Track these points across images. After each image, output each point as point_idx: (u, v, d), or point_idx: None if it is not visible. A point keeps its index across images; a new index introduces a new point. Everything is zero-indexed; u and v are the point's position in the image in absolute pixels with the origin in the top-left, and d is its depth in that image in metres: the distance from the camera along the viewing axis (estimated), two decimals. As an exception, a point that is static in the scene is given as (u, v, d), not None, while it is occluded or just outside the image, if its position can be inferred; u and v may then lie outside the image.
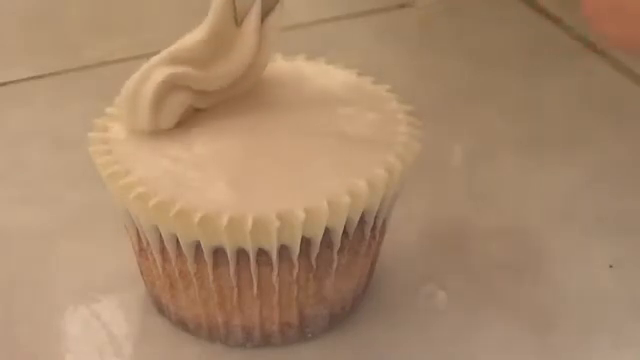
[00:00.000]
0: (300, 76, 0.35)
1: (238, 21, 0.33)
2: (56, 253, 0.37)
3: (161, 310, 0.35)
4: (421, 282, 0.36)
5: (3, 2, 0.54)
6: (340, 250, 0.32)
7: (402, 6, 0.54)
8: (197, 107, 0.34)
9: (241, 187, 0.31)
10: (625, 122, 0.45)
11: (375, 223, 0.33)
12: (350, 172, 0.31)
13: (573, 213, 0.40)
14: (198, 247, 0.31)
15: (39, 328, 0.35)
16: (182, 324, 0.34)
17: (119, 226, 0.34)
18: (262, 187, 0.31)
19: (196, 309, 0.33)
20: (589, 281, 0.37)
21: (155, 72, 0.32)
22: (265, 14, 0.33)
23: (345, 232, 0.32)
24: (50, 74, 0.48)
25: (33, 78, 0.48)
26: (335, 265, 0.32)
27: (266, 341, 0.34)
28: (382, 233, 0.34)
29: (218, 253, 0.31)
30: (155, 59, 0.33)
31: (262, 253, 0.31)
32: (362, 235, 0.33)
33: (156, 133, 0.33)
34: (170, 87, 0.32)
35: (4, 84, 0.47)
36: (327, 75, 0.36)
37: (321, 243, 0.31)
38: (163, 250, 0.32)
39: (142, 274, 0.35)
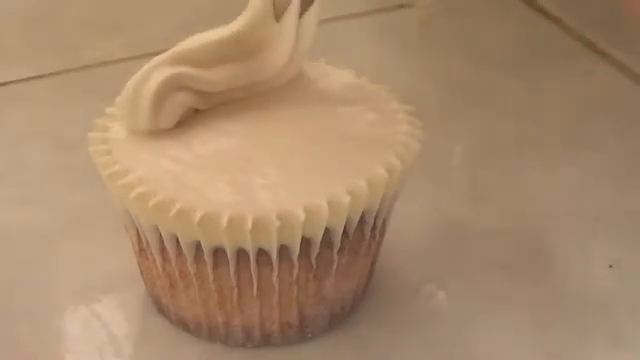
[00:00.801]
0: (300, 76, 0.35)
1: (277, 17, 0.33)
2: (56, 253, 0.37)
3: (161, 310, 0.35)
4: (421, 282, 0.36)
5: (3, 2, 0.54)
6: (340, 250, 0.32)
7: (402, 6, 0.54)
8: (198, 108, 0.34)
9: (241, 187, 0.31)
10: (625, 122, 0.45)
11: (375, 223, 0.33)
12: (350, 172, 0.31)
13: (573, 213, 0.40)
14: (198, 247, 0.31)
15: (39, 328, 0.35)
16: (182, 324, 0.34)
17: (119, 226, 0.34)
18: (262, 187, 0.31)
19: (196, 309, 0.33)
20: (589, 281, 0.37)
21: (156, 72, 0.32)
22: (303, 10, 0.33)
23: (345, 232, 0.32)
24: (50, 74, 0.48)
25: (33, 78, 0.48)
26: (335, 265, 0.32)
27: (266, 341, 0.34)
28: (382, 233, 0.34)
29: (218, 253, 0.31)
30: (157, 59, 0.33)
31: (262, 253, 0.31)
32: (362, 235, 0.33)
33: (156, 133, 0.33)
34: (171, 87, 0.32)
35: (4, 84, 0.47)
36: (327, 75, 0.36)
37: (321, 243, 0.31)
38: (163, 250, 0.32)
39: (142, 274, 0.35)
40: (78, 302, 0.36)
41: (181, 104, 0.33)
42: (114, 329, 0.35)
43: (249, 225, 0.30)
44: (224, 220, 0.30)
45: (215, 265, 0.32)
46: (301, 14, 0.33)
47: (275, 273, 0.32)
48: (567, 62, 0.49)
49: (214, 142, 0.32)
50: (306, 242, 0.31)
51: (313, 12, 0.33)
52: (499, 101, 0.46)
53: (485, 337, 0.34)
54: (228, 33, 0.33)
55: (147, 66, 0.33)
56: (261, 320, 0.33)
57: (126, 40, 0.50)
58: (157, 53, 0.33)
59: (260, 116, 0.34)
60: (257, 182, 0.31)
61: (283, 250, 0.31)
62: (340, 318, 0.35)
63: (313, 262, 0.32)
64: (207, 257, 0.31)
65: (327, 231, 0.31)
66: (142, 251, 0.33)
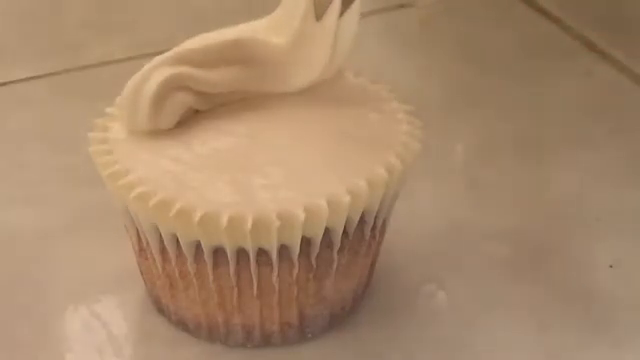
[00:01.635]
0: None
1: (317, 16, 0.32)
2: (56, 253, 0.37)
3: (161, 310, 0.35)
4: (421, 282, 0.36)
5: (3, 2, 0.54)
6: (340, 250, 0.32)
7: (402, 6, 0.54)
8: (198, 109, 0.34)
9: (241, 187, 0.31)
10: (625, 122, 0.45)
11: (375, 223, 0.33)
12: (350, 172, 0.31)
13: (573, 213, 0.40)
14: (198, 247, 0.31)
15: (39, 328, 0.35)
16: (182, 324, 0.34)
17: (119, 226, 0.34)
18: (262, 187, 0.31)
19: (196, 309, 0.33)
20: (589, 281, 0.37)
21: (157, 72, 0.32)
22: (343, 10, 0.32)
23: (345, 232, 0.32)
24: (50, 74, 0.48)
25: (33, 78, 0.48)
26: (335, 265, 0.32)
27: (266, 341, 0.34)
28: (382, 233, 0.34)
29: (218, 253, 0.31)
30: (158, 59, 0.33)
31: (262, 253, 0.31)
32: (362, 235, 0.33)
33: (156, 133, 0.33)
34: (171, 88, 0.32)
35: (4, 84, 0.47)
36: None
37: (321, 243, 0.31)
38: (163, 250, 0.32)
39: (142, 274, 0.35)
40: (78, 302, 0.36)
41: (181, 104, 0.33)
42: (114, 329, 0.35)
43: (249, 225, 0.30)
44: (224, 220, 0.30)
45: (215, 265, 0.32)
46: (341, 14, 0.32)
47: (275, 273, 0.32)
48: (567, 62, 0.49)
49: (214, 142, 0.32)
50: (306, 242, 0.31)
51: (354, 11, 0.32)
52: (499, 101, 0.46)
53: (485, 337, 0.34)
54: (238, 35, 0.33)
55: (148, 66, 0.33)
56: (261, 320, 0.33)
57: (126, 40, 0.50)
58: (157, 53, 0.33)
59: (260, 116, 0.34)
60: (257, 182, 0.31)
61: (283, 250, 0.31)
62: (340, 318, 0.35)
63: (313, 262, 0.32)
64: (207, 257, 0.31)
65: (327, 231, 0.31)
66: (142, 251, 0.33)
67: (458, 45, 0.51)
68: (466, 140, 0.44)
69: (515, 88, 0.47)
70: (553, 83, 0.48)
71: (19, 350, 0.34)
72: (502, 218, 0.40)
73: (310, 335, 0.34)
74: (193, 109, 0.33)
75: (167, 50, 0.33)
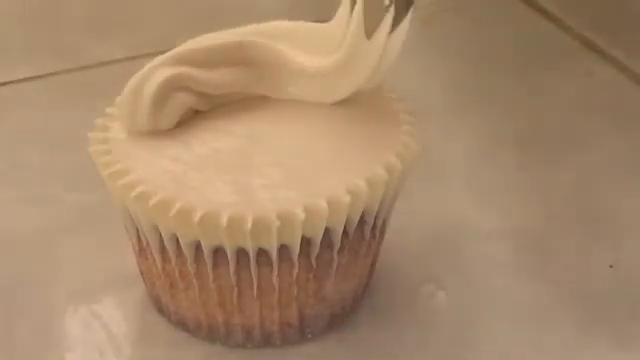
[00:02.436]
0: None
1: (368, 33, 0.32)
2: (56, 253, 0.37)
3: (161, 310, 0.35)
4: (421, 282, 0.36)
5: (3, 2, 0.54)
6: (340, 250, 0.32)
7: (402, 6, 0.54)
8: (198, 109, 0.34)
9: (241, 187, 0.31)
10: (625, 122, 0.45)
11: (375, 223, 0.33)
12: (350, 172, 0.31)
13: (573, 213, 0.40)
14: (198, 247, 0.31)
15: (39, 328, 0.35)
16: (182, 324, 0.34)
17: (119, 226, 0.34)
18: (262, 187, 0.31)
19: (196, 309, 0.33)
20: (589, 281, 0.37)
21: (157, 72, 0.32)
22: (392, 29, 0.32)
23: (345, 232, 0.32)
24: (50, 74, 0.48)
25: (33, 78, 0.48)
26: (335, 265, 0.32)
27: (266, 341, 0.34)
28: (382, 233, 0.34)
29: (218, 253, 0.31)
30: (159, 58, 0.33)
31: (262, 253, 0.31)
32: (362, 235, 0.33)
33: (156, 133, 0.33)
34: (171, 88, 0.32)
35: (4, 84, 0.47)
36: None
37: (321, 243, 0.31)
38: (163, 250, 0.32)
39: (142, 274, 0.35)
40: (78, 302, 0.36)
41: (181, 105, 0.33)
42: (114, 329, 0.35)
43: (249, 225, 0.30)
44: (224, 220, 0.30)
45: (215, 265, 0.32)
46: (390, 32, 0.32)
47: (275, 273, 0.32)
48: (567, 62, 0.49)
49: (214, 142, 0.32)
50: (306, 242, 0.31)
51: (402, 31, 0.32)
52: (499, 101, 0.46)
53: (485, 337, 0.34)
54: (241, 37, 0.33)
55: (148, 66, 0.33)
56: (261, 320, 0.33)
57: (126, 40, 0.50)
58: (157, 53, 0.33)
59: (260, 116, 0.34)
60: (257, 182, 0.31)
61: (283, 250, 0.31)
62: (340, 318, 0.35)
63: (313, 262, 0.32)
64: (207, 257, 0.31)
65: (327, 231, 0.31)
66: (142, 251, 0.33)
67: (458, 45, 0.51)
68: (466, 140, 0.44)
69: (515, 88, 0.47)
70: (553, 83, 0.48)
71: (19, 350, 0.34)
72: (502, 218, 0.40)
73: (310, 335, 0.34)
74: (193, 109, 0.33)
75: (167, 50, 0.33)
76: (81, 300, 0.36)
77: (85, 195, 0.39)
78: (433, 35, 0.52)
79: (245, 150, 0.32)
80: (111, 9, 0.54)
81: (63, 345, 0.34)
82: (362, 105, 0.34)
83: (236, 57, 0.33)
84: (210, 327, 0.34)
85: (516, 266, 0.37)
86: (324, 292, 0.33)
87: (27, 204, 0.40)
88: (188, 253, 0.31)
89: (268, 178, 0.31)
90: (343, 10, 0.33)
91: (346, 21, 0.32)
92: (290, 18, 0.35)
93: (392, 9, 0.31)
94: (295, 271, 0.32)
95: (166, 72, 0.32)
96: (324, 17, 0.34)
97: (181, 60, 0.33)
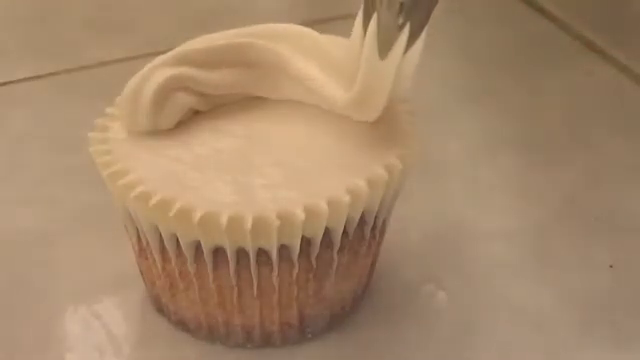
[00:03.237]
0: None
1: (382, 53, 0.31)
2: (56, 254, 0.37)
3: (161, 310, 0.35)
4: (421, 282, 0.36)
5: (3, 2, 0.54)
6: (340, 250, 0.32)
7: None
8: (198, 109, 0.34)
9: (241, 187, 0.31)
10: (625, 122, 0.45)
11: (375, 223, 0.33)
12: (350, 172, 0.31)
13: (573, 213, 0.40)
14: (198, 247, 0.31)
15: (39, 328, 0.35)
16: (182, 324, 0.34)
17: (119, 226, 0.34)
18: (262, 187, 0.31)
19: (196, 309, 0.33)
20: (589, 281, 0.37)
21: (157, 72, 0.32)
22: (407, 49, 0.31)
23: (345, 232, 0.32)
24: (50, 74, 0.48)
25: (33, 78, 0.48)
26: (335, 265, 0.32)
27: (266, 341, 0.34)
28: (382, 233, 0.34)
29: (218, 253, 0.31)
30: (160, 58, 0.33)
31: (262, 253, 0.31)
32: (362, 235, 0.33)
33: (156, 133, 0.33)
34: (171, 88, 0.32)
35: (4, 84, 0.47)
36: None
37: (321, 243, 0.31)
38: (163, 250, 0.32)
39: (142, 274, 0.35)
40: (78, 302, 0.36)
41: (181, 105, 0.33)
42: (114, 329, 0.35)
43: (249, 225, 0.30)
44: (224, 220, 0.30)
45: (215, 265, 0.32)
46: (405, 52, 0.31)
47: (275, 273, 0.32)
48: (567, 62, 0.49)
49: (214, 142, 0.33)
50: (306, 242, 0.31)
51: (416, 50, 0.31)
52: (499, 101, 0.47)
53: (485, 337, 0.34)
54: (242, 39, 0.33)
55: (148, 66, 0.33)
56: (261, 320, 0.33)
57: (126, 40, 0.50)
58: (157, 53, 0.33)
59: (260, 116, 0.34)
60: (257, 182, 0.31)
61: (283, 250, 0.31)
62: (340, 318, 0.35)
63: (313, 262, 0.32)
64: (207, 257, 0.31)
65: (327, 231, 0.31)
66: (142, 251, 0.33)
67: (458, 45, 0.51)
68: (466, 140, 0.44)
69: (515, 88, 0.47)
70: (553, 83, 0.48)
71: (19, 350, 0.34)
72: (502, 218, 0.40)
73: (310, 335, 0.34)
74: (193, 109, 0.33)
75: (167, 50, 0.33)
76: (81, 300, 0.36)
77: (85, 195, 0.39)
78: (433, 35, 0.52)
79: (245, 150, 0.32)
80: (111, 9, 0.54)
81: (63, 345, 0.34)
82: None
83: (237, 58, 0.33)
84: (210, 327, 0.34)
85: (516, 266, 0.37)
86: (324, 292, 0.33)
87: (27, 205, 0.40)
88: (188, 253, 0.31)
89: (268, 178, 0.31)
90: (356, 30, 0.32)
91: (360, 41, 0.31)
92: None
93: (406, 29, 0.30)
94: (295, 271, 0.32)
95: (166, 72, 0.32)
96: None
97: (182, 60, 0.33)
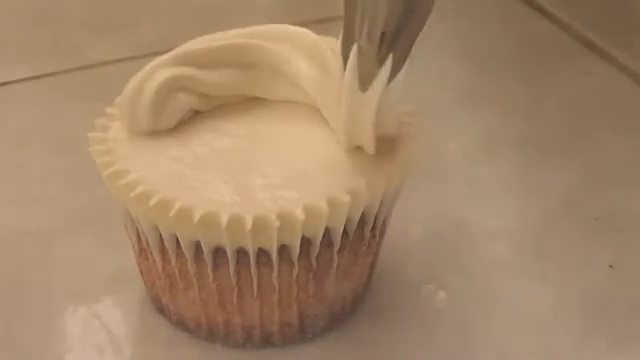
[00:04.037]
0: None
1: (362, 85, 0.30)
2: (56, 253, 0.37)
3: (161, 310, 0.35)
4: (421, 282, 0.36)
5: (3, 2, 0.54)
6: (340, 250, 0.32)
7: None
8: (199, 110, 0.34)
9: (241, 187, 0.31)
10: (625, 122, 0.45)
11: (375, 223, 0.33)
12: (350, 172, 0.31)
13: (573, 213, 0.40)
14: (198, 247, 0.31)
15: (39, 328, 0.35)
16: (182, 324, 0.34)
17: (119, 226, 0.34)
18: (262, 187, 0.31)
19: (196, 309, 0.33)
20: (589, 281, 0.37)
21: (158, 72, 0.32)
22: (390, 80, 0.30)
23: (345, 232, 0.32)
24: (50, 74, 0.48)
25: (33, 78, 0.48)
26: (335, 265, 0.32)
27: (266, 341, 0.34)
28: (382, 233, 0.34)
29: (218, 253, 0.31)
30: (161, 59, 0.33)
31: (262, 253, 0.31)
32: (362, 235, 0.33)
33: (156, 133, 0.33)
34: (171, 89, 0.32)
35: (4, 84, 0.47)
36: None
37: (321, 243, 0.31)
38: (163, 250, 0.32)
39: (142, 274, 0.35)
40: (78, 302, 0.36)
41: (182, 105, 0.33)
42: (114, 329, 0.35)
43: (249, 225, 0.30)
44: (224, 220, 0.30)
45: (215, 265, 0.32)
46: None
47: (275, 273, 0.32)
48: (567, 62, 0.49)
49: (214, 142, 0.33)
50: (306, 242, 0.31)
51: (397, 83, 0.30)
52: (499, 101, 0.47)
53: (485, 337, 0.34)
54: (243, 39, 0.33)
55: (149, 66, 0.33)
56: (261, 320, 0.33)
57: (126, 40, 0.50)
58: (157, 53, 0.33)
59: (260, 117, 0.34)
60: (257, 182, 0.31)
61: (283, 250, 0.31)
62: (340, 318, 0.35)
63: (313, 262, 0.32)
64: (207, 257, 0.31)
65: (327, 231, 0.31)
66: (142, 251, 0.33)
67: (458, 45, 0.51)
68: (466, 140, 0.44)
69: (515, 88, 0.47)
70: (553, 83, 0.48)
71: (19, 350, 0.34)
72: (502, 218, 0.40)
73: (310, 335, 0.34)
74: (193, 110, 0.33)
75: (167, 50, 0.33)
76: (81, 300, 0.36)
77: (85, 195, 0.39)
78: (433, 35, 0.52)
79: (245, 150, 0.32)
80: (111, 9, 0.54)
81: (63, 345, 0.34)
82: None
83: (237, 59, 0.33)
84: (210, 327, 0.34)
85: (516, 266, 0.37)
86: (324, 292, 0.33)
87: (27, 204, 0.40)
88: (188, 253, 0.31)
89: (268, 178, 0.31)
90: (338, 61, 0.31)
91: (340, 70, 0.30)
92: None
93: (389, 62, 0.29)
94: (295, 271, 0.32)
95: (167, 72, 0.32)
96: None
97: (182, 61, 0.33)
